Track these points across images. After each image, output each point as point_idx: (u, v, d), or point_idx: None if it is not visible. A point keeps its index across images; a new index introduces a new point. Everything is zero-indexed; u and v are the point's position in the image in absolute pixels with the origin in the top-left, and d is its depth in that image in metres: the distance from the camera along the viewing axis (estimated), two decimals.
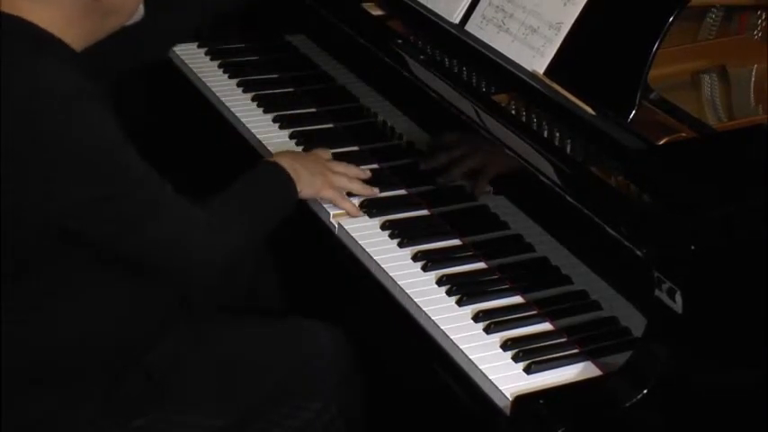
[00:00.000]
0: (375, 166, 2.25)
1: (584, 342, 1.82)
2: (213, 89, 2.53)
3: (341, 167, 2.13)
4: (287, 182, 2.00)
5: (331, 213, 2.11)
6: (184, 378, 1.96)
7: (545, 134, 1.96)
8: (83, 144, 1.68)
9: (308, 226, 2.14)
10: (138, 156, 1.76)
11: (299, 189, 2.02)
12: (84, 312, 1.84)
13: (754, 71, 2.21)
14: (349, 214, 2.10)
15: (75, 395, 1.86)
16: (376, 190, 2.15)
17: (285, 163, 2.02)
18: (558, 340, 1.83)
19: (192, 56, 2.66)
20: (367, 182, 2.16)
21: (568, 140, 1.94)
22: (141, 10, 1.87)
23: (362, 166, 2.21)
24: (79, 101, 1.68)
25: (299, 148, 2.33)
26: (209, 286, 2.09)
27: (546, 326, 1.87)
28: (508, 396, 1.71)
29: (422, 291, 1.93)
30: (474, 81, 2.13)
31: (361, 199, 2.14)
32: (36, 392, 1.85)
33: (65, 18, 1.75)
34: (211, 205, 1.87)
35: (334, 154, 2.24)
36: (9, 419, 1.82)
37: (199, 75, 2.59)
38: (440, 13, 2.28)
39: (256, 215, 1.94)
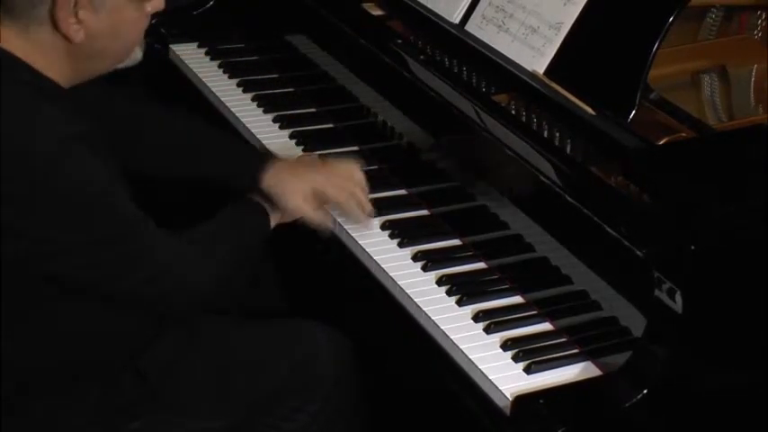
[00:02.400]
0: (375, 166, 2.26)
1: (584, 342, 1.82)
2: (213, 89, 2.53)
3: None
4: (263, 220, 1.98)
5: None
6: (181, 380, 1.95)
7: (545, 134, 1.96)
8: (68, 190, 1.64)
9: (308, 226, 2.14)
10: (125, 197, 1.72)
11: (277, 219, 1.99)
12: (77, 315, 1.82)
13: (754, 71, 2.21)
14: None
15: (69, 399, 1.85)
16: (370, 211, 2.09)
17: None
18: (558, 340, 1.83)
19: (191, 56, 2.66)
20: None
21: (568, 140, 1.94)
22: (138, 54, 1.81)
23: (363, 167, 2.22)
24: (68, 147, 1.63)
25: (299, 149, 2.33)
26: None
27: (546, 326, 1.87)
28: (508, 396, 1.71)
29: (422, 291, 1.93)
30: (474, 81, 2.13)
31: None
32: (31, 397, 1.83)
33: (42, 55, 1.68)
34: (192, 237, 1.86)
35: (334, 154, 2.25)
36: (4, 425, 1.81)
37: (199, 75, 2.59)
38: (440, 13, 2.28)
39: (234, 248, 1.93)
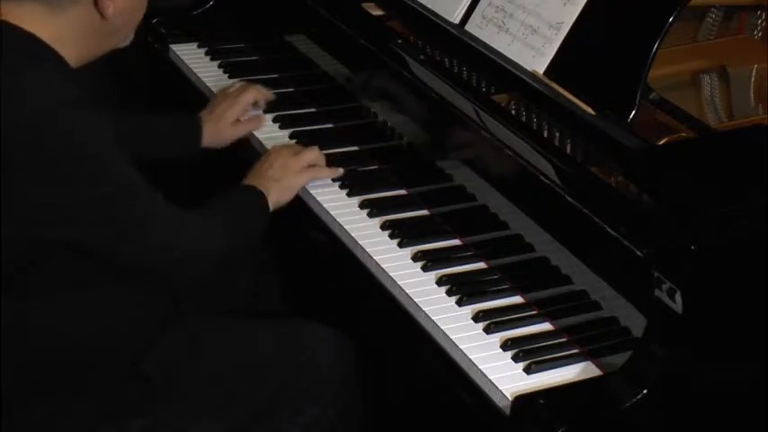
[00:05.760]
0: (375, 166, 2.26)
1: (584, 342, 1.82)
2: (213, 89, 2.52)
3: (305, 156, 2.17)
4: (260, 198, 2.04)
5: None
6: (184, 382, 1.95)
7: (545, 134, 1.96)
8: (67, 150, 1.66)
9: (308, 226, 2.14)
10: (131, 167, 1.75)
11: (274, 202, 2.06)
12: (79, 317, 1.83)
13: (754, 71, 2.21)
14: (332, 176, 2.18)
15: (71, 401, 1.85)
16: (340, 170, 2.21)
17: (257, 183, 2.07)
18: (558, 340, 1.83)
19: (192, 56, 2.66)
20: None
21: (568, 140, 1.94)
22: (131, 36, 1.87)
23: (363, 167, 2.22)
24: (71, 108, 1.67)
25: None
26: (206, 287, 2.09)
27: (546, 326, 1.87)
28: (508, 396, 1.71)
29: (422, 291, 1.93)
30: (474, 81, 2.13)
31: (362, 199, 2.14)
32: (33, 398, 1.83)
33: (67, 34, 1.73)
34: (198, 210, 1.90)
35: (334, 154, 2.25)
36: (5, 425, 1.81)
37: (199, 75, 2.59)
38: (440, 13, 2.28)
39: (237, 222, 1.99)
